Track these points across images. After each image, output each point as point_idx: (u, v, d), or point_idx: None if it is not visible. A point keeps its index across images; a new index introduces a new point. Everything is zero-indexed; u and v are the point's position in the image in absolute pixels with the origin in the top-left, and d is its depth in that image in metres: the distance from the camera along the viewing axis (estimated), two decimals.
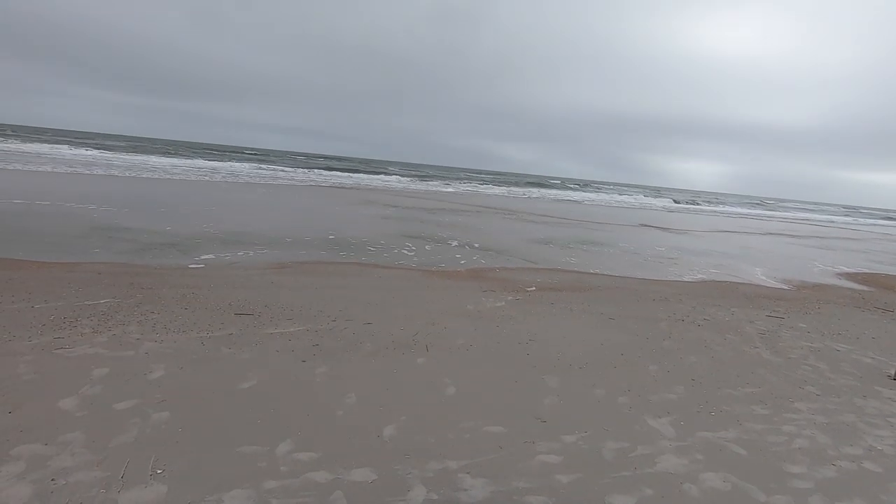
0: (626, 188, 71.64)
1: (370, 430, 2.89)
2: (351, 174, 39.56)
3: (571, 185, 58.95)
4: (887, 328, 6.61)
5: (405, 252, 9.53)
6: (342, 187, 25.85)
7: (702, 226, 23.84)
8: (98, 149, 34.89)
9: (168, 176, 22.00)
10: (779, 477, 2.79)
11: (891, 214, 73.97)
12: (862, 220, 50.84)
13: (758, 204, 62.53)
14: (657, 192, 70.61)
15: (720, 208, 47.29)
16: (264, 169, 34.21)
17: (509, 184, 48.71)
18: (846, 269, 12.70)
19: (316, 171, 38.84)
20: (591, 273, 9.30)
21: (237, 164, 35.40)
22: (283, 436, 2.72)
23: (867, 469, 2.94)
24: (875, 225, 43.32)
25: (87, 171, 20.31)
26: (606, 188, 65.61)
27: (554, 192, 44.74)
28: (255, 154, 58.41)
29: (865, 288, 10.36)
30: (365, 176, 39.02)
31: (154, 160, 30.51)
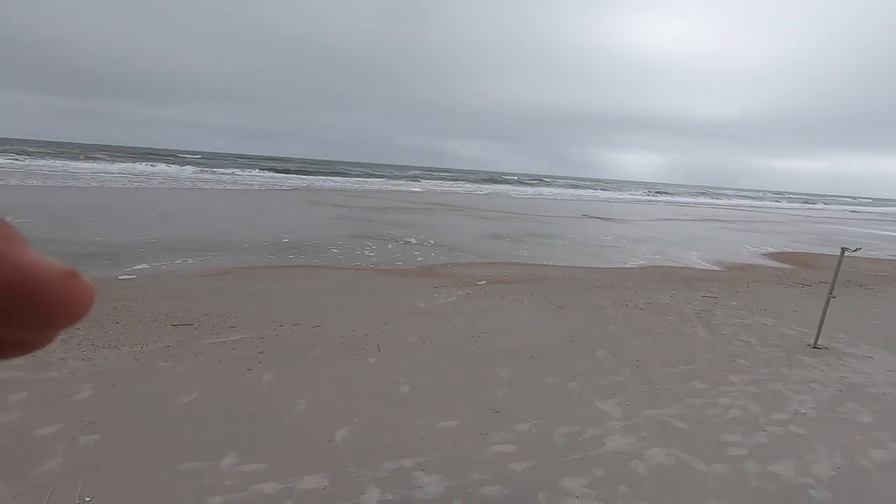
0: (578, 181, 73.85)
1: (321, 435, 2.80)
2: (303, 176, 38.53)
3: (526, 181, 60.09)
4: (806, 301, 7.14)
5: (358, 252, 9.36)
6: (294, 189, 25.10)
7: (645, 215, 24.92)
8: (16, 155, 32.13)
9: (97, 183, 20.56)
10: (717, 447, 2.94)
11: (810, 198, 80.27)
12: (786, 204, 54.82)
13: (700, 193, 66.14)
14: (608, 184, 73.30)
15: (663, 198, 49.64)
16: (207, 172, 32.69)
17: (462, 180, 49.03)
18: (771, 250, 13.65)
19: (267, 173, 37.56)
20: (541, 264, 9.50)
21: (177, 168, 33.62)
22: (228, 449, 2.59)
23: (793, 432, 3.16)
24: (796, 208, 46.85)
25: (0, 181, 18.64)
26: (557, 182, 67.37)
27: (505, 187, 45.46)
28: (198, 157, 55.67)
29: (787, 266, 11.17)
30: (317, 177, 38.12)
31: (79, 166, 28.42)
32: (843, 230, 23.28)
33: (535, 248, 11.43)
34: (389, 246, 10.51)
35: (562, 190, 49.08)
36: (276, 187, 26.10)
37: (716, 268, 10.48)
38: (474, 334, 4.81)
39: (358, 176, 43.02)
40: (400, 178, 44.79)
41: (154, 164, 35.25)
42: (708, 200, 50.00)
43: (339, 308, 5.46)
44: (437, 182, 42.95)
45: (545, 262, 9.69)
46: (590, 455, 2.78)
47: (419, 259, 9.18)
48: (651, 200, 43.00)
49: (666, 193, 61.49)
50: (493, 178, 59.63)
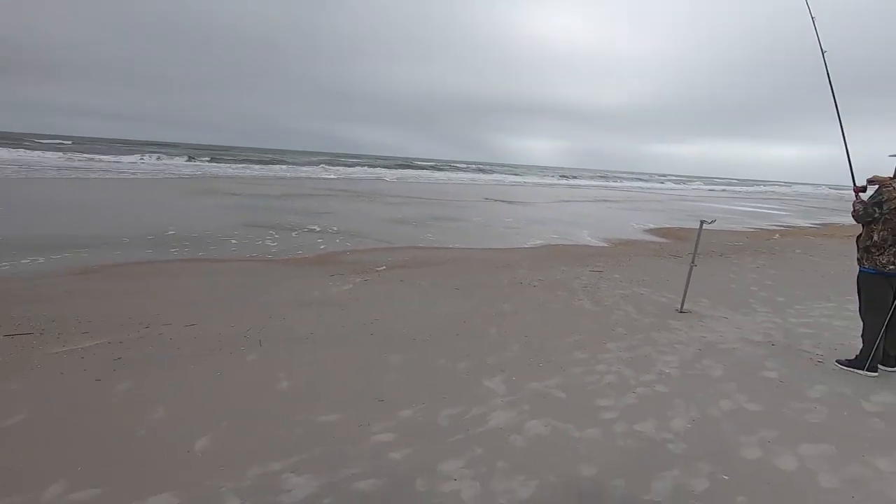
0: (488, 167, 75.38)
1: (178, 447, 2.49)
2: (199, 162, 35.34)
3: (440, 167, 60.20)
4: (678, 271, 7.82)
5: (258, 243, 8.72)
6: (187, 177, 22.90)
7: (546, 198, 26.07)
8: None
9: None
10: (591, 412, 3.06)
11: (687, 180, 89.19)
12: (669, 185, 60.35)
13: (601, 177, 70.59)
14: (516, 169, 75.80)
15: (564, 181, 52.38)
16: (80, 159, 28.84)
17: (372, 166, 48.01)
18: (651, 226, 14.89)
19: (154, 158, 33.90)
20: (444, 247, 9.51)
21: (37, 154, 29.24)
22: (55, 476, 2.20)
23: (658, 391, 3.38)
24: (677, 188, 51.78)
25: None
26: (470, 168, 68.38)
27: (417, 172, 45.23)
28: (67, 142, 48.73)
29: (664, 240, 12.23)
30: (215, 164, 35.19)
31: None
32: (712, 207, 26.12)
33: (440, 232, 11.45)
34: (293, 234, 9.96)
35: (473, 175, 49.97)
36: (164, 175, 23.70)
37: (604, 244, 11.19)
38: (367, 322, 4.65)
39: (261, 162, 40.47)
40: (307, 164, 42.84)
41: (12, 150, 30.32)
42: (604, 183, 53.69)
43: (221, 303, 5.01)
44: (346, 168, 41.72)
45: (448, 245, 9.73)
46: (472, 434, 2.76)
47: (322, 247, 8.78)
48: (553, 184, 45.23)
49: (567, 177, 65.05)
50: (406, 164, 59.19)
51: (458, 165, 71.69)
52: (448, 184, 33.75)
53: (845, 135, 4.17)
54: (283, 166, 38.60)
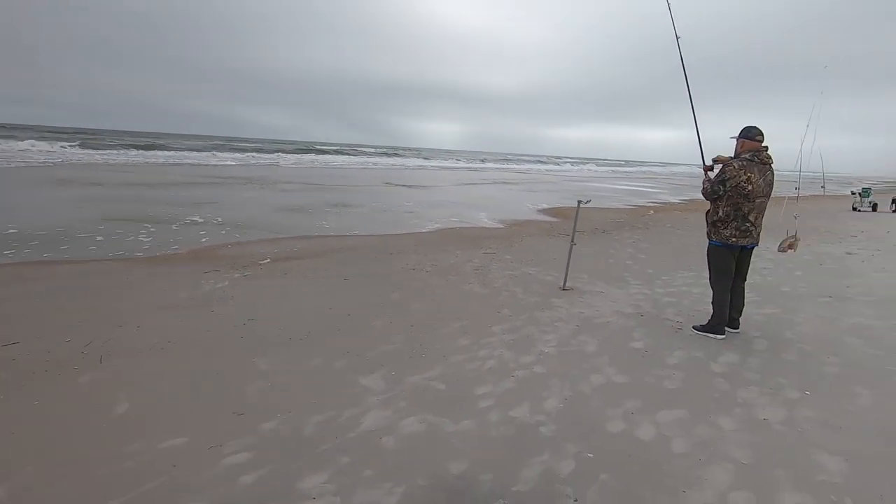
0: (392, 150, 74.17)
1: None
2: (57, 146, 30.55)
3: (345, 151, 57.92)
4: (564, 249, 8.16)
5: (130, 239, 7.63)
6: (41, 165, 19.60)
7: (447, 181, 26.21)
8: None
9: None
10: (469, 402, 2.98)
11: (582, 161, 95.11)
12: (567, 166, 63.83)
13: (504, 160, 72.47)
14: (420, 152, 75.36)
15: (467, 164, 53.14)
16: None
17: (265, 151, 45.00)
18: (545, 206, 15.55)
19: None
20: (338, 235, 9.08)
21: None
22: None
23: (536, 372, 3.40)
24: (570, 170, 54.94)
25: None
26: (374, 151, 66.79)
27: (315, 157, 43.21)
28: None
29: (555, 219, 12.80)
30: (79, 150, 30.68)
31: None
32: (599, 186, 28.04)
33: (335, 219, 10.94)
34: (174, 227, 8.92)
35: (377, 159, 48.99)
36: (16, 163, 20.17)
37: (500, 225, 11.43)
38: (239, 323, 4.20)
39: (137, 147, 36.19)
40: (195, 149, 39.09)
41: None
42: (506, 166, 55.41)
43: (58, 314, 4.25)
44: (239, 154, 38.71)
45: (342, 233, 9.31)
46: (340, 442, 2.54)
47: (204, 240, 7.94)
48: (457, 167, 45.78)
49: (471, 160, 66.28)
50: (306, 149, 56.34)
51: (363, 150, 69.99)
52: (350, 168, 32.73)
53: (696, 117, 4.48)
54: (166, 152, 34.89)
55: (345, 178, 23.97)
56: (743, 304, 4.20)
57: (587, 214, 13.39)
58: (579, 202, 5.62)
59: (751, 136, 3.88)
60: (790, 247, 4.56)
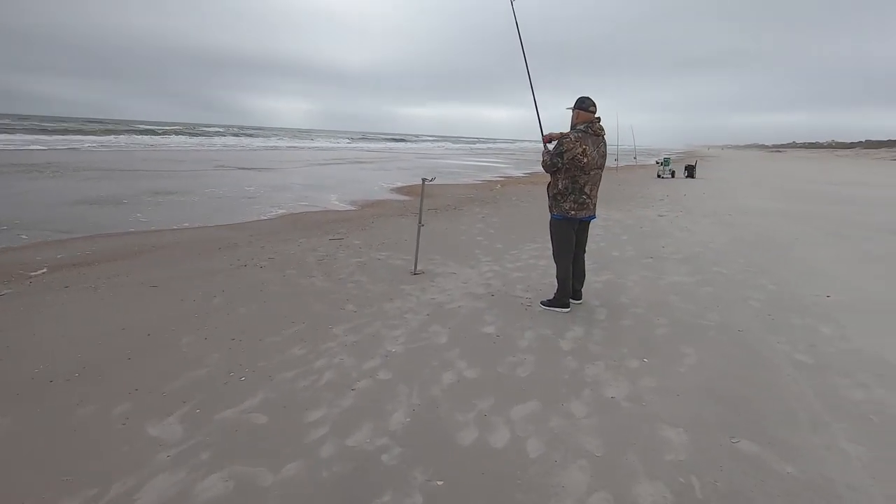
0: (228, 130, 66.56)
1: None
2: None
3: (171, 132, 50.03)
4: (416, 229, 7.81)
5: None
6: None
7: (295, 162, 24.26)
8: None
9: None
10: (297, 434, 2.38)
11: (439, 139, 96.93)
12: (426, 144, 64.21)
13: (361, 138, 69.88)
14: (262, 132, 68.81)
15: (316, 143, 50.16)
16: None
17: (60, 132, 36.92)
18: (398, 185, 15.13)
19: None
20: (153, 231, 7.51)
21: None
22: None
23: (381, 380, 2.92)
24: (425, 148, 55.45)
25: None
26: (206, 131, 59.26)
27: (133, 139, 36.75)
28: None
29: (408, 198, 12.46)
30: None
31: None
32: (451, 163, 28.62)
33: (153, 211, 9.13)
34: None
35: (219, 140, 43.64)
36: None
37: (351, 207, 10.70)
38: None
39: None
40: None
41: None
42: (362, 144, 53.78)
43: None
44: (25, 135, 31.11)
45: (161, 228, 7.74)
46: None
47: None
48: (309, 147, 43.00)
49: (326, 139, 63.06)
50: (118, 130, 47.69)
51: (206, 130, 62.04)
52: (184, 151, 28.51)
53: (534, 92, 4.32)
54: None
55: (175, 161, 20.70)
56: (584, 275, 4.23)
57: (440, 191, 13.33)
58: (424, 180, 5.23)
59: (584, 107, 3.80)
60: None
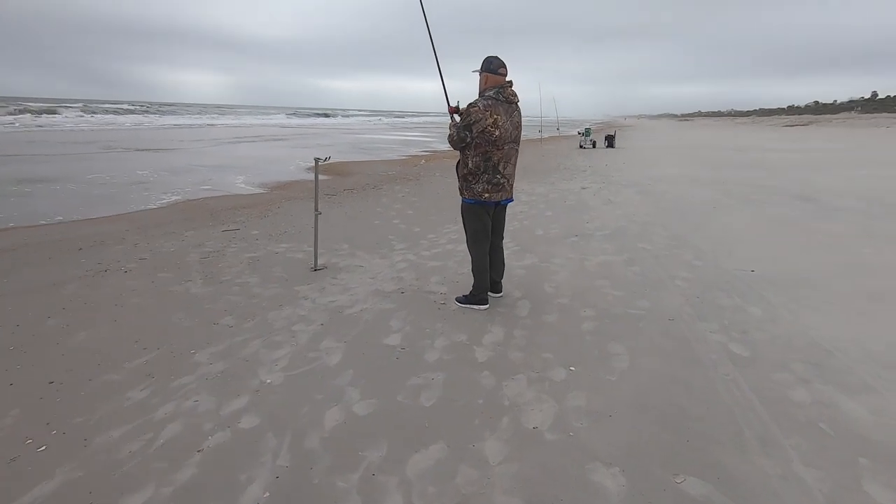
0: (125, 106, 59.61)
1: None
2: None
3: (49, 109, 43.65)
4: (329, 214, 6.95)
5: None
6: None
7: (204, 140, 21.96)
8: None
9: None
10: None
11: (363, 114, 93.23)
12: (352, 119, 61.29)
13: (278, 112, 65.28)
14: (166, 108, 62.21)
15: (226, 120, 46.26)
16: None
17: None
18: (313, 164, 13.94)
19: None
20: (0, 230, 6.10)
21: None
22: None
23: (242, 430, 2.19)
24: (351, 123, 52.97)
25: None
26: (110, 108, 52.79)
27: (7, 118, 31.70)
28: None
29: (326, 177, 11.40)
30: None
31: None
32: (375, 137, 27.32)
33: (14, 204, 7.52)
34: None
35: (115, 118, 38.85)
36: None
37: (259, 190, 9.55)
38: None
39: None
40: None
41: None
42: (287, 120, 50.33)
43: None
44: None
45: (17, 225, 6.32)
46: None
47: None
48: (224, 124, 39.50)
49: (248, 115, 58.46)
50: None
51: (103, 107, 55.25)
52: (75, 132, 24.92)
53: (437, 55, 3.61)
54: None
55: (60, 144, 17.91)
56: (503, 265, 3.68)
57: (360, 168, 12.37)
58: (316, 160, 4.42)
59: (492, 68, 3.16)
60: None
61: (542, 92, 19.63)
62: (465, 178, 3.27)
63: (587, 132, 20.09)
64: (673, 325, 3.19)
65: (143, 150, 16.81)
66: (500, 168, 3.21)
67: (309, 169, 12.80)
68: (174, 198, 8.66)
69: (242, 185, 10.30)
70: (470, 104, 3.11)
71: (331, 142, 22.74)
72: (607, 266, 4.43)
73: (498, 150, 3.16)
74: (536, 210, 7.03)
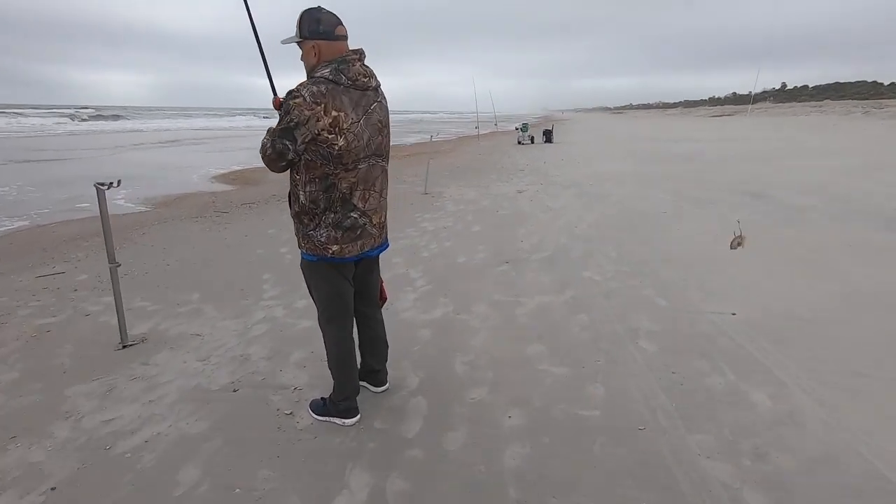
0: (51, 111, 53.15)
1: None
2: None
3: None
4: (204, 242, 5.36)
5: None
6: None
7: (96, 146, 19.20)
8: None
9: None
10: None
11: None
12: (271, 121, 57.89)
13: (215, 115, 60.49)
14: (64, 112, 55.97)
15: (146, 123, 42.14)
16: None
17: None
18: (222, 171, 12.05)
19: None
20: None
21: None
22: None
23: None
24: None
25: None
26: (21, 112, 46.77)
27: None
28: None
29: (230, 187, 9.68)
30: None
31: None
32: None
33: None
34: None
35: (18, 120, 34.20)
36: None
37: (141, 208, 7.73)
38: None
39: None
40: None
41: None
42: (210, 122, 46.58)
43: None
44: None
45: None
46: None
47: None
48: (141, 129, 35.75)
49: (167, 117, 53.80)
50: None
51: (18, 112, 49.00)
52: None
53: (257, 33, 2.16)
54: None
55: None
56: (386, 345, 2.34)
57: (275, 176, 10.66)
58: (100, 188, 2.93)
59: (324, 30, 1.78)
60: (739, 244, 3.16)
61: (478, 87, 18.44)
62: (300, 219, 1.91)
63: (525, 127, 19.18)
64: (645, 441, 1.98)
65: (24, 161, 14.16)
66: (355, 200, 1.87)
67: (215, 178, 10.95)
68: (18, 223, 6.75)
69: (121, 202, 8.40)
70: (290, 93, 1.73)
71: (253, 144, 20.58)
72: (544, 314, 3.21)
73: (347, 170, 1.81)
74: (462, 225, 5.77)
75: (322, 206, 1.83)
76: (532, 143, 18.56)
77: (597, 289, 3.60)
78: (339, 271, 1.96)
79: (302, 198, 1.85)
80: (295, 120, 1.70)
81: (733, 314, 3.06)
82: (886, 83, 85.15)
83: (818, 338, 2.77)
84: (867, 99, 56.82)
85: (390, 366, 2.47)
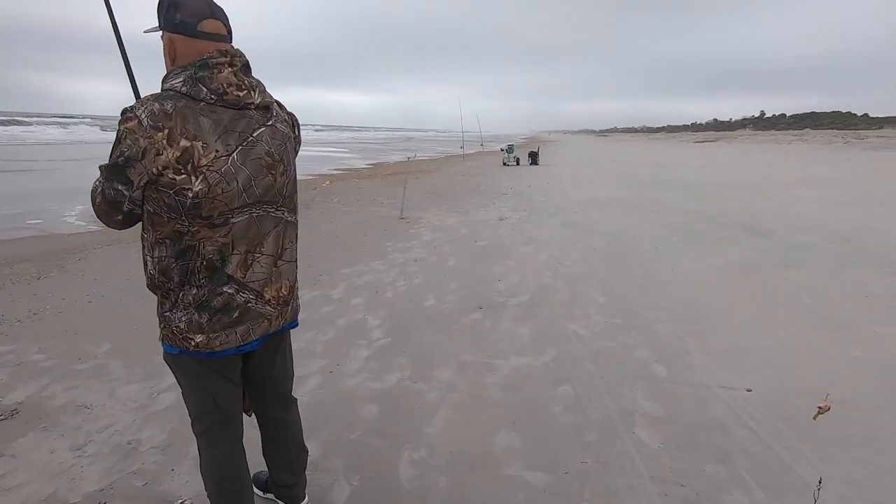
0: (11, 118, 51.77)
1: None
2: None
3: None
4: (80, 300, 4.68)
5: None
6: None
7: (78, 159, 18.38)
8: None
9: None
10: None
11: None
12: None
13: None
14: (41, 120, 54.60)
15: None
16: None
17: None
18: None
19: None
20: None
21: None
22: None
23: None
24: None
25: None
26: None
27: None
28: None
29: None
30: None
31: None
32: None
33: None
34: None
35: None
36: None
37: (92, 227, 7.04)
38: None
39: None
40: None
41: None
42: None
43: None
44: None
45: None
46: None
47: None
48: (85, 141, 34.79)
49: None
50: None
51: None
52: None
53: (125, 49, 1.56)
54: None
55: None
56: (304, 453, 1.69)
57: None
58: None
59: (181, 21, 1.19)
60: (822, 412, 2.49)
61: (466, 107, 18.11)
62: (160, 300, 1.28)
63: (510, 149, 18.80)
64: None
65: None
66: (230, 269, 1.25)
67: None
68: None
69: (73, 220, 7.71)
70: (123, 112, 1.14)
71: None
72: (520, 384, 2.61)
73: (212, 226, 1.19)
74: (437, 256, 5.18)
75: (176, 278, 1.21)
76: (517, 164, 18.17)
77: (583, 348, 3.01)
78: (212, 368, 1.34)
79: (150, 266, 1.23)
80: (126, 153, 1.10)
81: (748, 391, 2.48)
82: (860, 114, 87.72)
83: (860, 426, 2.20)
84: (843, 129, 58.22)
85: (315, 466, 1.85)
